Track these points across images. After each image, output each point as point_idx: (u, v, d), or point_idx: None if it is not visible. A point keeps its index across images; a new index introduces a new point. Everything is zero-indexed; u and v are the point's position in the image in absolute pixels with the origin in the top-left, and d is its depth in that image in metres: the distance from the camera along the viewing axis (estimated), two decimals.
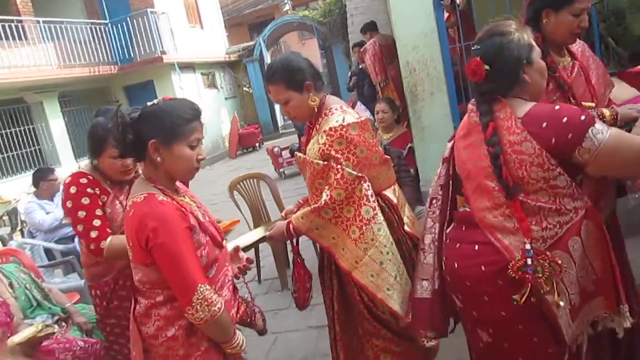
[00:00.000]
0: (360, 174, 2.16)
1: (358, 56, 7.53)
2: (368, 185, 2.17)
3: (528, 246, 1.66)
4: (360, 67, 7.51)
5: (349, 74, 8.34)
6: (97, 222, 2.33)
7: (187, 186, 2.75)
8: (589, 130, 1.60)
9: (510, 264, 1.67)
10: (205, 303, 1.68)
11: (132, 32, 14.41)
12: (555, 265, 1.63)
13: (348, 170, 2.14)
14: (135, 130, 1.74)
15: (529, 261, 1.64)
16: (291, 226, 2.28)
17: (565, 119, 1.63)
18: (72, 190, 2.38)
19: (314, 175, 2.23)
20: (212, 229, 1.90)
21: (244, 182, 5.05)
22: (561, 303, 1.65)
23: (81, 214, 2.34)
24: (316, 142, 2.22)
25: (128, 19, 14.28)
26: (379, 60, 6.61)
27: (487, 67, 1.76)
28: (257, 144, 16.26)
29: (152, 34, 14.42)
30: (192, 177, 1.90)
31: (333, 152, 2.16)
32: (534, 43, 1.82)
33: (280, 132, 18.08)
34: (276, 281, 4.74)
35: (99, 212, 2.36)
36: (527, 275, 1.64)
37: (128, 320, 2.36)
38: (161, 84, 14.89)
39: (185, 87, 15.24)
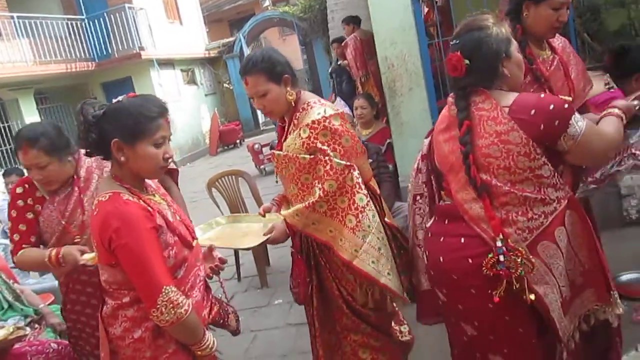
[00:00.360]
0: (348, 163, 2.14)
1: (337, 52, 7.49)
2: (358, 174, 2.16)
3: (499, 243, 1.68)
4: (339, 63, 7.46)
5: (329, 70, 8.30)
6: (16, 237, 2.38)
7: (177, 183, 2.72)
8: (572, 118, 1.67)
9: (484, 262, 1.68)
10: (171, 305, 1.65)
11: (109, 28, 14.17)
12: (528, 262, 1.65)
13: (336, 161, 2.12)
14: (99, 128, 1.71)
15: (501, 258, 1.66)
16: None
17: (551, 106, 1.67)
18: (9, 200, 2.44)
19: (299, 170, 2.20)
20: (181, 228, 1.86)
21: (223, 179, 5.00)
22: (531, 297, 1.67)
23: (9, 224, 2.41)
24: (297, 136, 2.19)
25: (105, 14, 14.05)
26: (359, 55, 6.60)
27: (467, 61, 1.76)
28: (237, 141, 16.17)
29: (130, 30, 14.20)
30: (159, 176, 1.87)
31: (319, 144, 2.14)
32: (511, 37, 1.83)
33: (262, 128, 17.99)
34: (256, 279, 4.71)
35: (22, 226, 2.38)
36: (500, 272, 1.66)
37: (81, 324, 2.42)
38: (140, 81, 14.65)
39: (164, 84, 15.05)
